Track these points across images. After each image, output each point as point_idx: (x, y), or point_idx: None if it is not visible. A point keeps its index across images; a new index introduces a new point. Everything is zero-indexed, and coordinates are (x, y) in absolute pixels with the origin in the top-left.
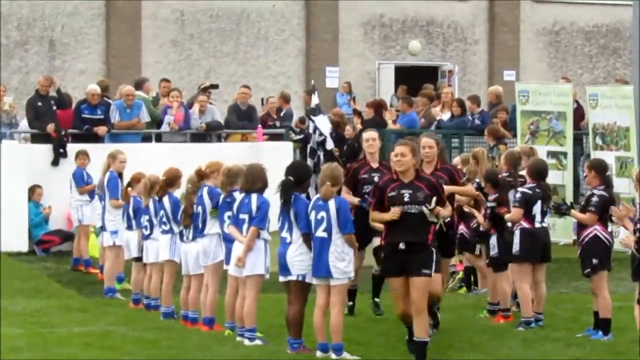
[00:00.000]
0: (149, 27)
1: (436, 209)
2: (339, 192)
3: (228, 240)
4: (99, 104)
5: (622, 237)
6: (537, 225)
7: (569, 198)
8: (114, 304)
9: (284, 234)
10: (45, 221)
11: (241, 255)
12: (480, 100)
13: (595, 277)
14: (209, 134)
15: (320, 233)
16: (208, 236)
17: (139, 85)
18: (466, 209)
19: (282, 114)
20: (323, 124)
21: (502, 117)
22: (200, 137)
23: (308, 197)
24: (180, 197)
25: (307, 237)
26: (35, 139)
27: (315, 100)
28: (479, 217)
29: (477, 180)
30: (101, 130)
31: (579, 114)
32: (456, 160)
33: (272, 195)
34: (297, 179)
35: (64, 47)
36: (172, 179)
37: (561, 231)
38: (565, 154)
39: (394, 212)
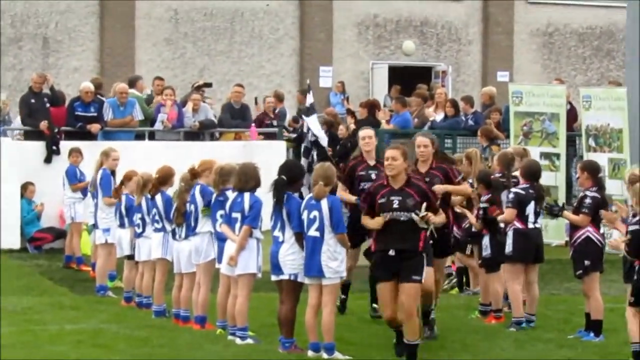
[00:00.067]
0: (142, 26)
1: (426, 215)
2: (332, 192)
3: (220, 238)
4: (92, 101)
5: (613, 239)
6: (530, 225)
7: (562, 199)
8: (105, 302)
9: (277, 233)
10: (38, 218)
11: (233, 254)
12: (474, 100)
13: (587, 278)
14: (202, 132)
15: (312, 232)
16: (200, 235)
17: (133, 83)
18: (458, 209)
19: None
20: (314, 124)
21: (495, 118)
22: (193, 135)
23: (301, 197)
24: (173, 196)
25: (300, 237)
26: (28, 136)
27: (310, 99)
28: (471, 217)
29: (470, 180)
30: (94, 127)
31: (572, 115)
32: None
33: (265, 194)
34: (289, 178)
35: (57, 45)
36: (165, 177)
37: (553, 232)
38: (558, 155)
39: (377, 221)
